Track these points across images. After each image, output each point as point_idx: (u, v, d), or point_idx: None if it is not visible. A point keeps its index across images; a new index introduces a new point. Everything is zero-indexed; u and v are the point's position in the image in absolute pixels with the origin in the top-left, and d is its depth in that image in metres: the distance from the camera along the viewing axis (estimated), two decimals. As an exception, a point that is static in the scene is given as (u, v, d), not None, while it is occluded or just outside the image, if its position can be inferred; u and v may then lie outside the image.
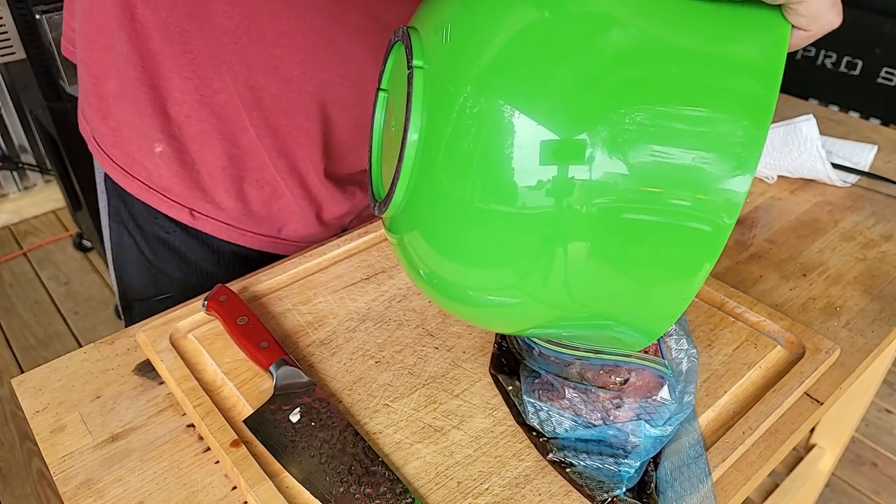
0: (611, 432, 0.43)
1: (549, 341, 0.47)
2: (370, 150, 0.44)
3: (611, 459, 0.43)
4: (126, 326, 0.66)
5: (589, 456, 0.43)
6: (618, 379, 0.44)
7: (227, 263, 0.67)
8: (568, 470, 0.43)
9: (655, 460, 0.44)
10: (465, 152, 0.33)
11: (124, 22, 0.55)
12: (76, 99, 1.59)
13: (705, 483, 0.42)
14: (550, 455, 0.44)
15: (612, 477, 0.42)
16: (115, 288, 0.71)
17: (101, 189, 0.67)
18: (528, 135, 0.32)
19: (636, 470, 0.42)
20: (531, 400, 0.46)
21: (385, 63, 0.43)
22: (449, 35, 0.35)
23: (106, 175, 0.65)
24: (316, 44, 0.57)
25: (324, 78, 0.59)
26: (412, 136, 0.35)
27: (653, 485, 0.43)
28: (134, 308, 0.69)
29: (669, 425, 0.44)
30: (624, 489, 0.41)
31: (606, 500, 0.41)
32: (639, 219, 0.33)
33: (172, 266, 0.66)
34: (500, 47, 0.33)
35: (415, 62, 0.36)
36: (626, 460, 0.42)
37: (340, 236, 0.64)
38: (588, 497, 0.42)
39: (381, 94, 0.43)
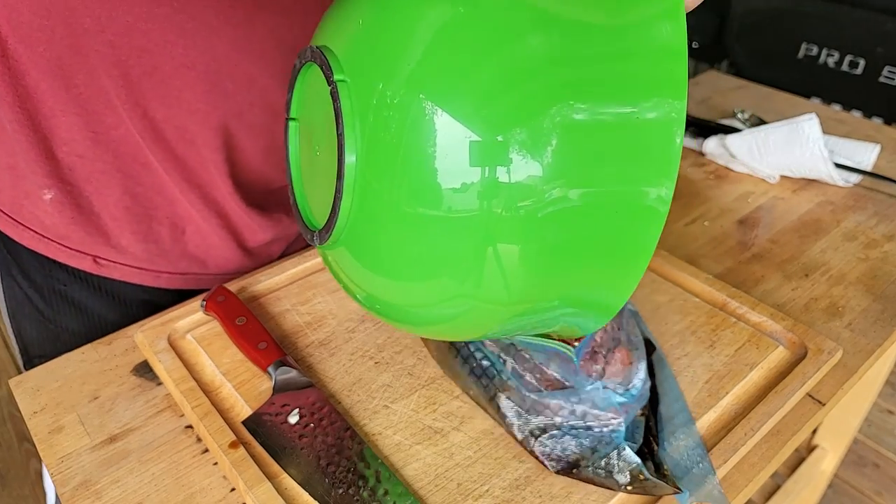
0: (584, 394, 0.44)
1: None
2: (290, 183, 0.42)
3: (598, 430, 0.43)
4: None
5: (575, 438, 0.43)
6: (597, 367, 0.45)
7: (134, 314, 0.62)
8: (574, 471, 0.43)
9: (654, 435, 0.45)
10: (391, 151, 0.33)
11: None
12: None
13: (711, 480, 0.42)
14: (537, 446, 0.44)
15: (610, 443, 0.43)
16: (13, 343, 0.65)
17: None
18: (448, 133, 0.32)
19: (627, 426, 0.43)
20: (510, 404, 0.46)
21: (291, 91, 0.41)
22: (363, 22, 0.34)
23: None
24: (219, 71, 0.52)
25: (229, 106, 0.55)
26: (350, 159, 0.34)
27: (665, 466, 0.43)
28: (35, 364, 0.60)
29: (634, 391, 0.45)
30: (625, 444, 0.42)
31: (628, 481, 0.42)
32: (568, 220, 0.32)
33: (72, 320, 0.61)
34: (423, 44, 0.33)
35: (335, 77, 0.34)
36: (612, 423, 0.43)
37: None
38: (608, 487, 0.42)
39: (292, 124, 0.42)
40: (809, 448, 1.14)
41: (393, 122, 0.32)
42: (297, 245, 0.69)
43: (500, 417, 0.45)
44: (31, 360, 0.63)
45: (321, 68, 0.36)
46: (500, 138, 0.31)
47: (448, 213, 0.32)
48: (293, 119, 0.42)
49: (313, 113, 0.40)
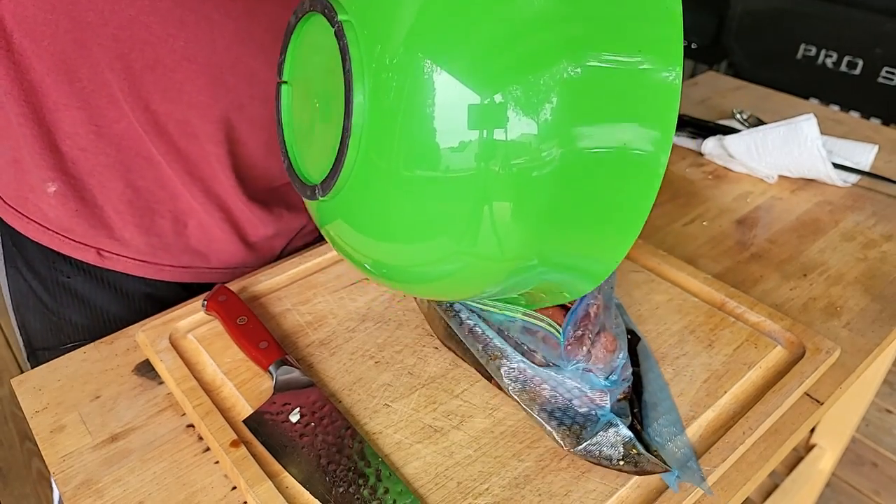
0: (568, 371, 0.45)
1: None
2: (283, 146, 0.42)
3: (585, 410, 0.45)
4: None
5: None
6: (583, 349, 0.45)
7: (138, 307, 0.62)
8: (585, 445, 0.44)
9: (639, 420, 0.46)
10: (389, 115, 0.33)
11: (0, 54, 0.49)
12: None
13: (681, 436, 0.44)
14: (536, 412, 0.44)
15: (598, 421, 0.44)
16: (17, 336, 0.66)
17: None
18: (446, 92, 0.32)
19: (612, 410, 0.44)
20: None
21: (284, 53, 0.40)
22: None
23: None
24: (220, 65, 0.53)
25: (231, 99, 0.55)
26: (358, 98, 0.33)
27: (653, 447, 0.45)
28: (39, 357, 0.63)
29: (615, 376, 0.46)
30: (612, 417, 0.43)
31: (621, 456, 0.42)
32: (562, 178, 0.33)
33: (75, 312, 0.61)
34: (420, 2, 0.33)
35: (340, 16, 0.34)
36: (599, 402, 0.44)
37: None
38: (603, 464, 0.43)
39: (284, 88, 0.41)
40: (807, 447, 1.14)
41: (392, 83, 0.32)
42: (298, 241, 0.70)
43: (501, 380, 0.47)
44: (35, 352, 0.64)
45: (323, 12, 0.35)
46: (498, 96, 0.31)
47: (446, 173, 0.33)
48: (285, 82, 0.42)
49: (310, 69, 0.39)
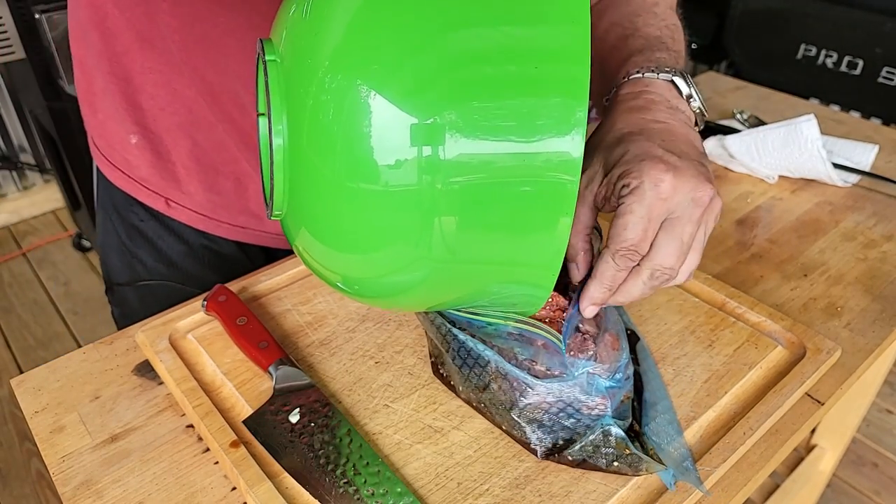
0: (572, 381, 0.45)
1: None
2: (261, 174, 0.45)
3: (586, 416, 0.44)
4: (111, 308, 0.72)
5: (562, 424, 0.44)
6: (589, 352, 0.45)
7: (198, 256, 0.68)
8: (560, 455, 0.43)
9: (637, 418, 0.46)
10: (328, 129, 0.35)
11: (97, 22, 0.58)
12: (76, 99, 1.59)
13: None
14: (516, 414, 0.44)
15: (594, 426, 0.44)
16: (102, 271, 0.75)
17: (94, 178, 0.71)
18: (383, 115, 0.34)
19: (614, 408, 0.44)
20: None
21: (256, 86, 0.44)
22: (308, 12, 0.36)
23: (97, 166, 0.69)
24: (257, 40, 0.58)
25: None
26: (277, 141, 0.37)
27: (649, 446, 0.44)
28: (114, 291, 0.72)
29: (619, 374, 0.45)
30: (613, 424, 0.43)
31: (614, 458, 0.43)
32: (493, 192, 0.35)
33: (145, 253, 0.68)
34: (357, 26, 0.35)
35: (267, 56, 0.37)
36: (599, 408, 0.44)
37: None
38: (595, 468, 0.43)
39: (261, 119, 0.44)
40: (808, 447, 1.14)
41: (331, 104, 0.34)
42: None
43: (494, 407, 0.46)
44: (112, 287, 0.72)
45: (259, 53, 0.38)
46: (432, 120, 0.33)
47: (387, 187, 0.34)
48: (262, 114, 0.45)
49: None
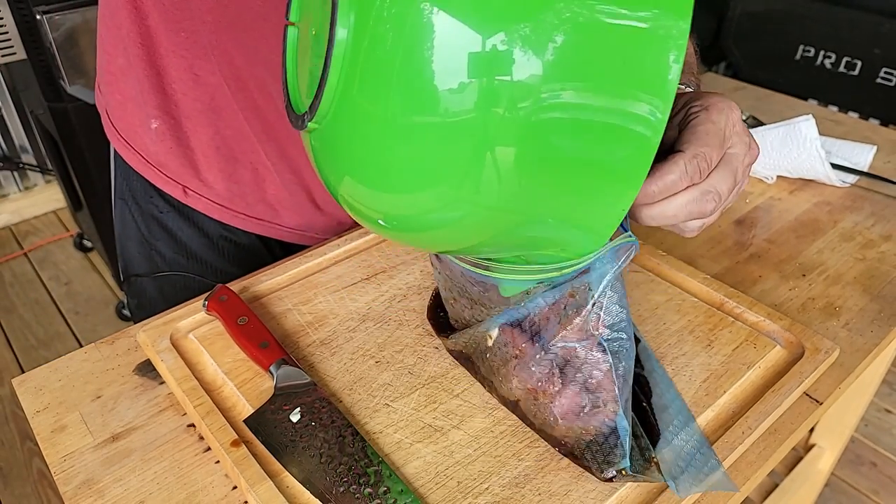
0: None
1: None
2: (285, 85, 0.42)
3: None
4: (126, 300, 0.69)
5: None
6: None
7: (218, 247, 0.69)
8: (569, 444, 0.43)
9: (654, 423, 0.46)
10: (384, 61, 0.32)
11: (127, 1, 0.58)
12: (76, 99, 1.58)
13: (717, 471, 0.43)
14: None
15: (609, 437, 0.43)
16: (119, 262, 0.75)
17: (112, 166, 0.71)
18: (447, 33, 0.30)
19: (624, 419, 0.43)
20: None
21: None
22: None
23: (114, 154, 0.68)
24: None
25: None
26: (341, 33, 0.33)
27: (652, 453, 0.44)
28: (131, 282, 0.72)
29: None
30: (627, 457, 0.42)
31: (613, 475, 0.42)
32: (563, 126, 0.32)
33: (164, 245, 0.68)
34: None
35: None
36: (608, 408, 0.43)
37: (341, 236, 0.64)
38: (591, 470, 0.43)
39: (290, 30, 0.41)
40: (807, 447, 1.14)
41: (390, 31, 0.32)
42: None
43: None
44: (129, 277, 0.72)
45: None
46: (501, 35, 0.30)
47: (445, 117, 0.31)
48: (292, 24, 0.42)
49: (314, 9, 0.39)
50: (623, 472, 0.42)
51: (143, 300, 0.71)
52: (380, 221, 0.40)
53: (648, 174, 0.39)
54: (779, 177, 0.78)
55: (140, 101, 0.61)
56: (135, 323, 0.73)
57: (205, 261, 0.68)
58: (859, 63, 1.81)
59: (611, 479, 0.42)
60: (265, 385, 0.49)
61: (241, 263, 0.69)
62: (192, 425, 0.47)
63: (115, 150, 0.68)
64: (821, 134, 0.75)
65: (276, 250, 0.72)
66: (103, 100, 0.67)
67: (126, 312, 1.83)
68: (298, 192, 0.66)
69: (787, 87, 1.12)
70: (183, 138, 0.63)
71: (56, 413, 0.48)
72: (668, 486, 0.42)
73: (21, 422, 1.54)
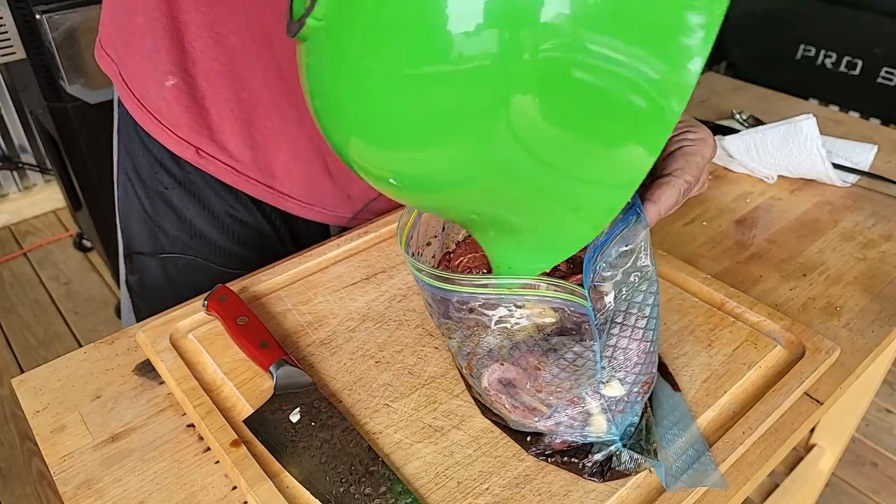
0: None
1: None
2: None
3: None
4: (126, 277, 0.71)
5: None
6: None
7: (222, 225, 0.68)
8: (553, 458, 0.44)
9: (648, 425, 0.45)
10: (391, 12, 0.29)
11: None
12: (76, 99, 1.58)
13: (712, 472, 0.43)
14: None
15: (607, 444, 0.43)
16: (119, 239, 0.75)
17: (115, 143, 0.70)
18: None
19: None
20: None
21: None
22: None
23: (119, 127, 0.68)
24: None
25: None
26: None
27: (654, 440, 0.44)
28: (135, 261, 0.72)
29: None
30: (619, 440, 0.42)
31: (599, 460, 0.42)
32: (594, 67, 0.29)
33: (169, 222, 0.68)
34: None
35: None
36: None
37: (340, 236, 0.64)
38: (576, 471, 0.43)
39: None
40: (807, 447, 1.14)
41: None
42: (365, 213, 0.73)
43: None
44: (132, 255, 0.72)
45: None
46: None
47: (459, 63, 0.29)
48: None
49: None
50: (618, 456, 0.42)
51: (145, 278, 0.71)
52: (391, 181, 0.37)
53: (654, 200, 0.44)
54: (779, 176, 0.78)
55: (156, 60, 0.61)
56: (134, 300, 0.73)
57: (209, 239, 0.68)
58: (860, 62, 1.81)
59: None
60: (265, 385, 0.49)
61: (246, 243, 0.69)
62: (192, 425, 0.47)
63: (119, 126, 0.68)
64: (821, 133, 0.75)
65: (281, 230, 0.71)
66: (116, 62, 0.65)
67: (126, 312, 1.83)
68: (312, 158, 0.66)
69: (788, 86, 1.11)
70: (199, 98, 0.62)
71: (56, 413, 0.48)
72: (668, 487, 0.42)
73: (21, 422, 1.54)
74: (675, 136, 0.48)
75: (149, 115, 0.64)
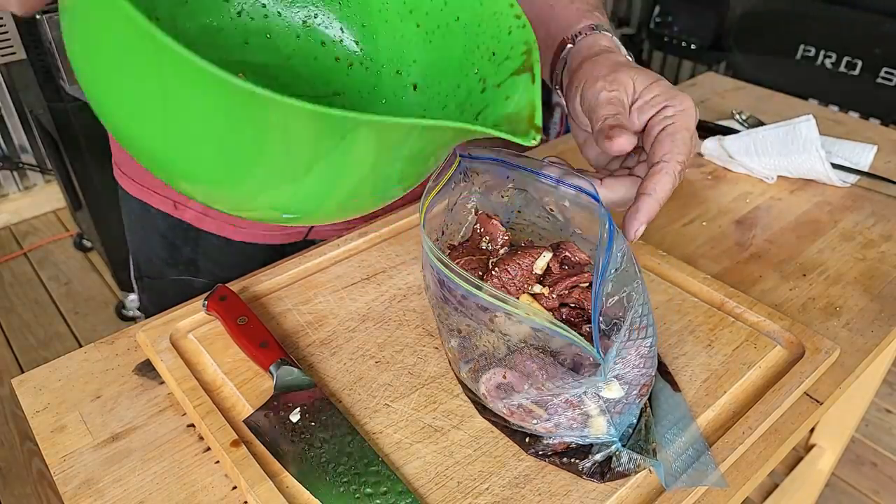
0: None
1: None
2: None
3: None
4: (138, 296, 0.80)
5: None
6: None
7: (204, 250, 0.73)
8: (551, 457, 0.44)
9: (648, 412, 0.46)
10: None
11: None
12: (76, 99, 1.58)
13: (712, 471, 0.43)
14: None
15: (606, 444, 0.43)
16: (131, 260, 0.82)
17: (111, 145, 0.76)
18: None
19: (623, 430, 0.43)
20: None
21: None
22: None
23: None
24: None
25: None
26: None
27: (652, 440, 0.44)
28: (144, 283, 0.79)
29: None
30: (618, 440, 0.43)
31: (597, 462, 0.42)
32: None
33: (159, 247, 0.74)
34: None
35: None
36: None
37: (341, 236, 0.64)
38: (573, 471, 0.43)
39: None
40: (807, 447, 1.14)
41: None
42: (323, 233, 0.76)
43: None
44: (141, 278, 0.80)
45: None
46: None
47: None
48: None
49: None
50: (617, 455, 0.42)
51: (153, 298, 0.77)
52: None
53: (650, 192, 0.45)
54: (779, 177, 0.78)
55: None
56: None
57: (194, 260, 0.74)
58: (860, 63, 1.81)
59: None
60: (265, 385, 0.49)
61: (246, 265, 0.71)
62: (192, 425, 0.47)
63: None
64: (821, 134, 0.75)
65: (270, 256, 0.74)
66: (112, 143, 0.72)
67: (126, 313, 1.83)
68: None
69: (788, 86, 1.12)
70: None
71: (56, 413, 0.48)
72: (668, 487, 0.42)
73: (21, 422, 1.54)
74: (654, 115, 0.47)
75: (127, 179, 0.72)
